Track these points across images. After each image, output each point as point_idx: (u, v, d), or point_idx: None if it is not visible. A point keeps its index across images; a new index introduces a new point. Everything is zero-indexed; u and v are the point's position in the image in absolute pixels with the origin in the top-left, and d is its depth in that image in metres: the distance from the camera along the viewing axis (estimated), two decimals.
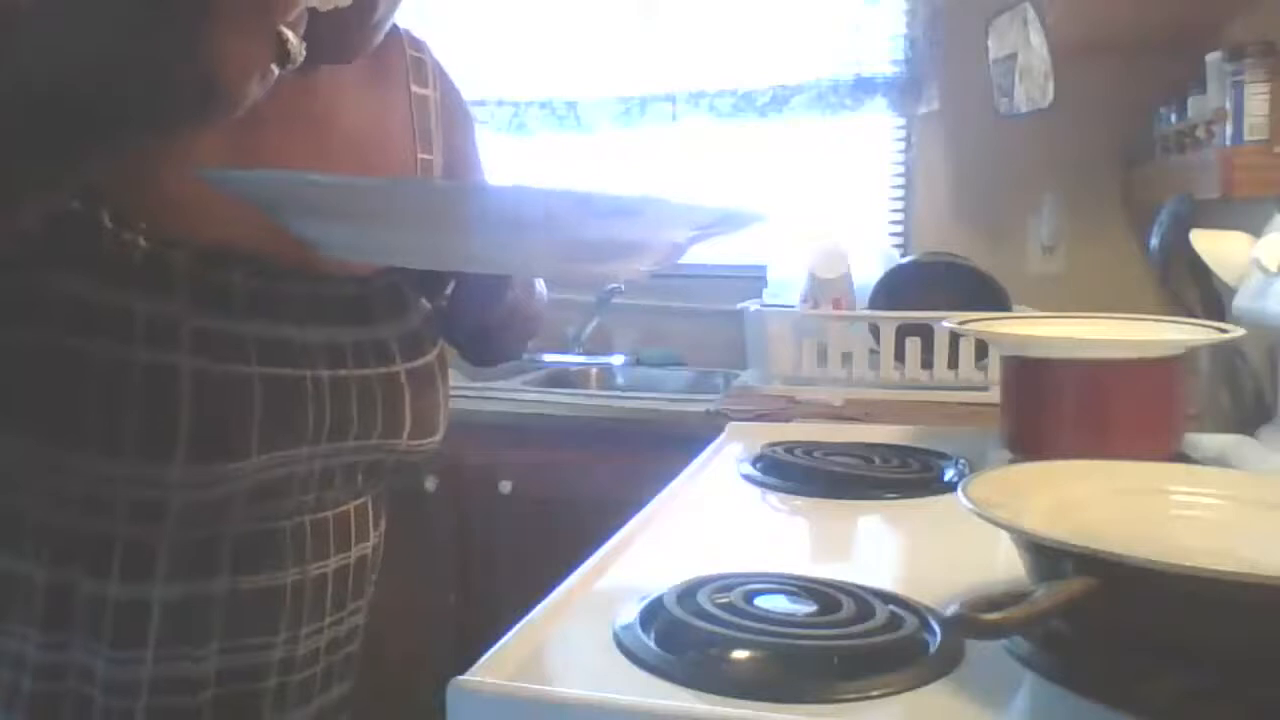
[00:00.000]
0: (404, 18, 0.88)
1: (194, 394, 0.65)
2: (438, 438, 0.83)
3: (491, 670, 0.57)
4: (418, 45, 0.88)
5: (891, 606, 0.64)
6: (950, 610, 0.52)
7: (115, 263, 0.64)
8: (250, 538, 0.71)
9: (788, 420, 1.50)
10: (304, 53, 0.53)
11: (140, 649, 0.69)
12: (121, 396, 0.63)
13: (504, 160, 2.58)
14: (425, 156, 0.85)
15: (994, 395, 1.15)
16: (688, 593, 0.64)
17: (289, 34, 0.51)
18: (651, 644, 0.59)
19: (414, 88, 0.85)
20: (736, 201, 0.65)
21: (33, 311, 0.63)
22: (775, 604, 0.64)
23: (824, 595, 0.65)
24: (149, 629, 0.69)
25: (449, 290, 0.83)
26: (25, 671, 0.68)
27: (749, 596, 0.65)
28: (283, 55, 0.52)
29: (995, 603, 0.51)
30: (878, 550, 0.93)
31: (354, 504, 0.79)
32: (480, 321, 0.87)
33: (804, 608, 0.64)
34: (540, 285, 0.95)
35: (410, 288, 0.78)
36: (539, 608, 0.66)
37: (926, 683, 0.56)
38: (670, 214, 0.63)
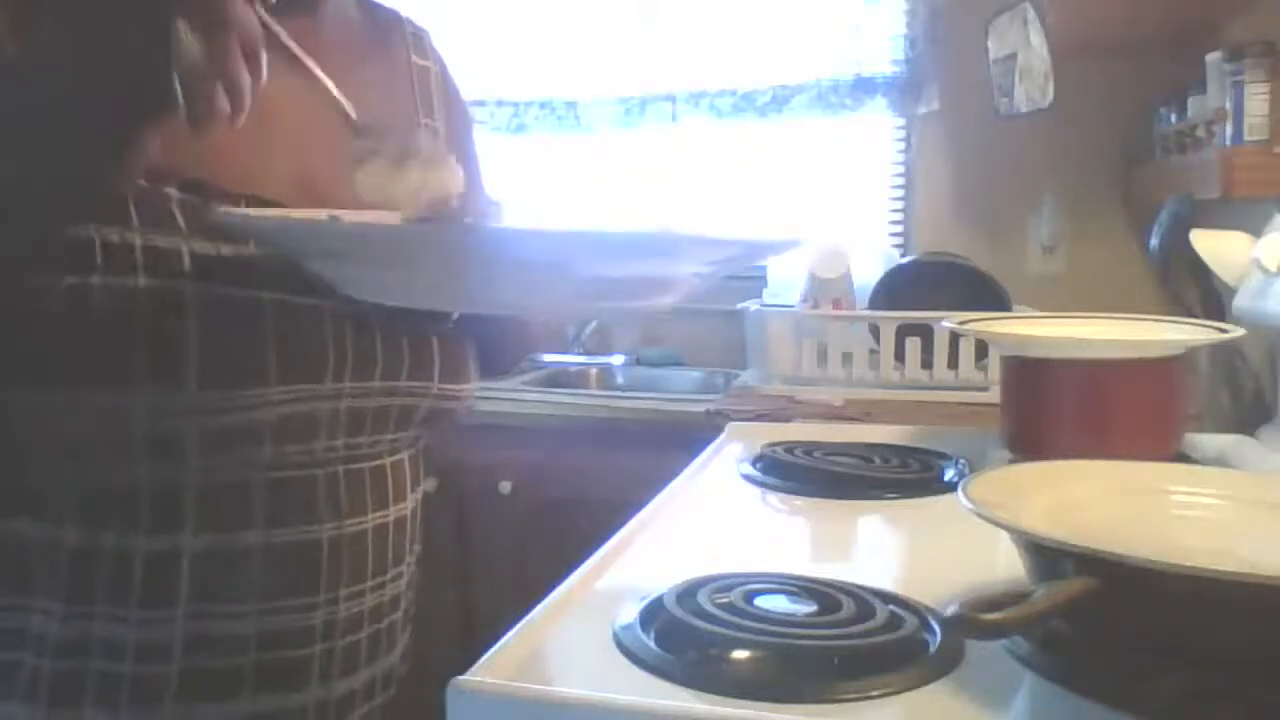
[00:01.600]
0: (405, 17, 0.89)
1: (200, 317, 0.64)
2: (470, 385, 0.82)
3: (491, 670, 0.57)
4: (418, 28, 0.89)
5: (891, 606, 0.64)
6: (950, 610, 0.52)
7: (111, 200, 0.63)
8: (281, 485, 0.70)
9: (788, 420, 1.50)
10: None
11: (170, 607, 0.67)
12: (126, 326, 0.63)
13: (504, 161, 2.58)
14: (428, 122, 0.85)
15: (994, 395, 1.15)
16: (688, 593, 0.64)
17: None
18: (651, 644, 0.59)
19: (414, 59, 0.86)
20: (760, 231, 0.65)
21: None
22: (775, 604, 0.64)
23: (824, 595, 0.65)
24: (179, 584, 0.67)
25: (455, 315, 0.82)
26: (45, 654, 0.67)
27: (749, 596, 0.65)
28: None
29: (995, 603, 0.51)
30: (878, 550, 0.93)
31: (390, 459, 0.78)
32: (483, 337, 0.87)
33: (804, 608, 0.64)
34: None
35: (416, 316, 0.78)
36: (539, 608, 0.66)
37: (926, 683, 0.56)
38: (693, 251, 0.62)
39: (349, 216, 0.67)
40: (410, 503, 0.81)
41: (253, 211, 0.68)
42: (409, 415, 0.77)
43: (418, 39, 0.88)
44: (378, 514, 0.77)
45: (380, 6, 0.87)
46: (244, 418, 0.66)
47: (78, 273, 0.62)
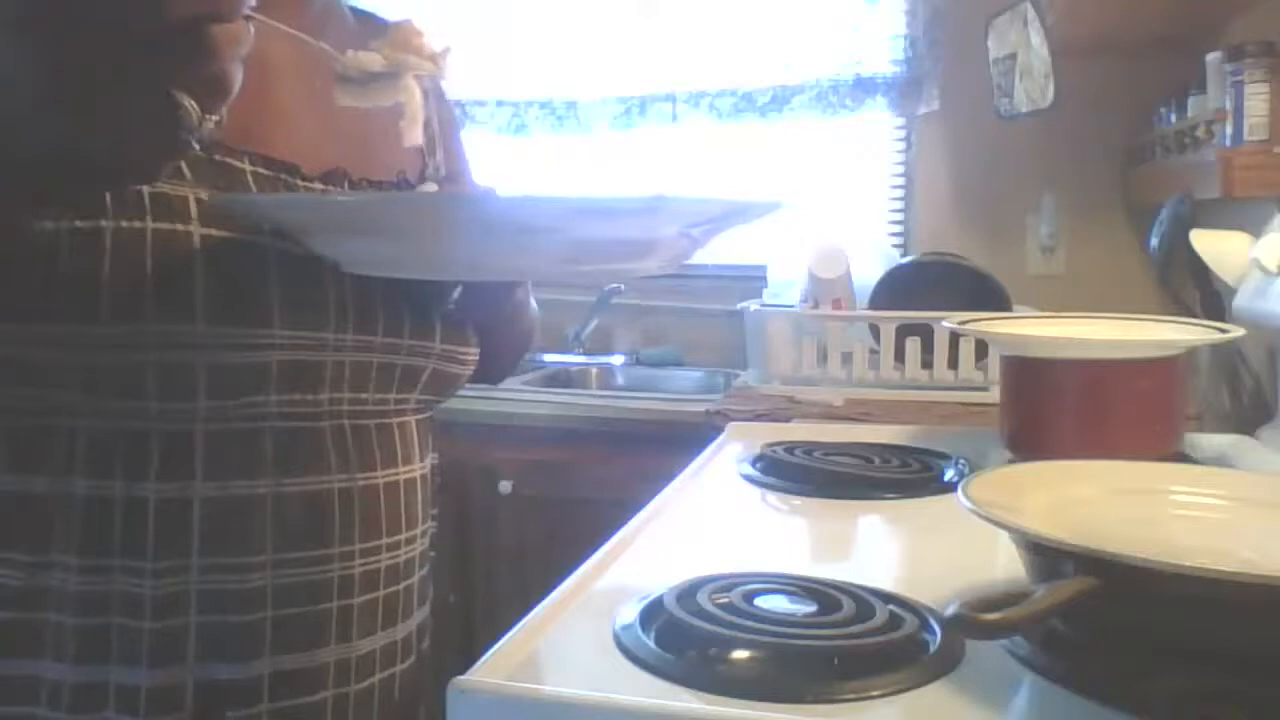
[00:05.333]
0: (402, 17, 0.89)
1: (206, 257, 0.66)
2: (474, 350, 0.83)
3: (491, 670, 0.57)
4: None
5: (891, 606, 0.64)
6: (950, 610, 0.52)
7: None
8: (290, 435, 0.71)
9: (788, 420, 1.50)
10: (211, 125, 0.53)
11: (184, 556, 0.68)
12: (135, 263, 0.65)
13: (504, 160, 2.58)
14: (432, 161, 0.88)
15: (994, 395, 1.15)
16: (688, 593, 0.65)
17: (184, 100, 0.51)
18: (651, 644, 0.59)
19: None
20: (746, 194, 0.65)
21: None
22: (775, 604, 0.64)
23: (824, 595, 0.65)
24: (191, 533, 0.68)
25: (456, 294, 0.83)
26: (67, 611, 0.68)
27: (749, 596, 0.65)
28: (176, 121, 0.51)
29: (995, 603, 0.51)
30: (878, 550, 0.93)
31: (397, 420, 0.79)
32: (488, 322, 0.88)
33: (804, 608, 0.64)
34: (532, 301, 0.96)
35: (413, 292, 0.79)
36: (539, 608, 0.66)
37: (926, 683, 0.56)
38: (678, 211, 0.63)
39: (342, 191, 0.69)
40: (420, 469, 0.82)
41: (244, 197, 0.69)
42: (413, 376, 0.78)
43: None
44: (387, 471, 0.77)
45: (374, 15, 0.89)
46: (250, 358, 0.68)
47: (88, 217, 0.64)
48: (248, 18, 0.51)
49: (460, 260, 0.65)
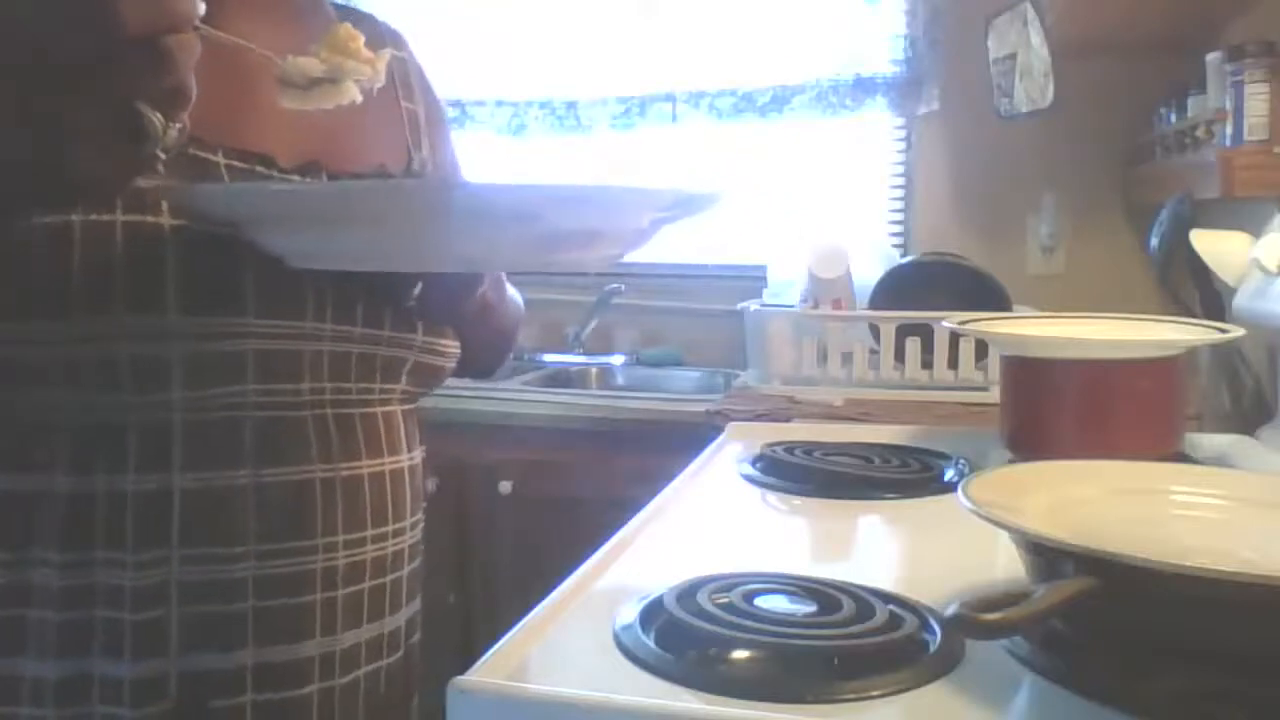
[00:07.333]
0: (403, 17, 0.90)
1: (178, 248, 0.66)
2: (453, 343, 0.83)
3: (491, 670, 0.57)
4: (399, 43, 0.89)
5: (891, 606, 0.64)
6: (950, 610, 0.52)
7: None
8: (270, 424, 0.71)
9: (788, 420, 1.50)
10: (175, 133, 0.53)
11: (164, 547, 0.68)
12: (105, 255, 0.65)
13: (503, 161, 2.58)
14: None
15: (994, 395, 1.15)
16: (688, 593, 0.64)
17: (147, 111, 0.52)
18: (651, 644, 0.59)
19: (404, 103, 0.87)
20: (692, 185, 0.67)
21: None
22: (775, 604, 0.64)
23: (824, 595, 0.65)
24: (171, 523, 0.68)
25: (417, 290, 0.83)
26: (50, 606, 0.68)
27: (749, 596, 0.65)
28: (141, 132, 0.52)
29: (995, 603, 0.51)
30: (878, 550, 0.93)
31: (382, 409, 0.79)
32: (453, 318, 0.87)
33: (804, 608, 0.64)
34: (515, 294, 0.95)
35: (378, 287, 0.78)
36: (539, 608, 0.66)
37: (926, 683, 0.56)
38: (625, 201, 0.64)
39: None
40: (407, 460, 0.82)
41: (202, 188, 0.69)
42: (395, 366, 0.78)
43: (394, 36, 0.90)
44: (372, 461, 0.77)
45: (359, 10, 0.89)
46: (226, 347, 0.68)
47: (57, 213, 0.64)
48: (195, 28, 0.52)
49: (422, 251, 0.65)
